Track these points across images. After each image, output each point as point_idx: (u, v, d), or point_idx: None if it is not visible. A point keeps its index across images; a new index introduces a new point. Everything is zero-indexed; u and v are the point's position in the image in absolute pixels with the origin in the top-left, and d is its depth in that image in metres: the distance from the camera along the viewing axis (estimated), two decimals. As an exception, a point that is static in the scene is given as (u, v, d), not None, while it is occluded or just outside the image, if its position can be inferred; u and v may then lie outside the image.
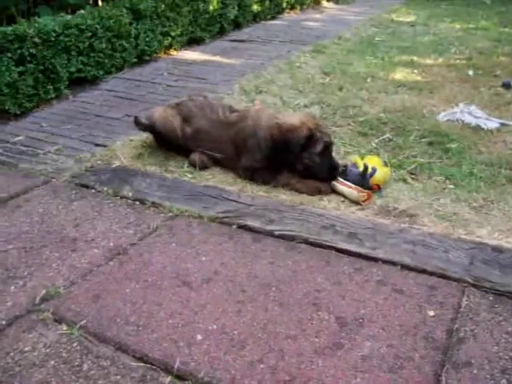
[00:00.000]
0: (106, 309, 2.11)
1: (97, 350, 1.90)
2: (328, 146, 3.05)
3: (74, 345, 1.93)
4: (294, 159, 3.03)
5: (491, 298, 2.15)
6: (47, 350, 1.90)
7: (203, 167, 3.31)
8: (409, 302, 2.12)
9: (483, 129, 3.89)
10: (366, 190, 2.91)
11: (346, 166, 3.07)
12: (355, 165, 3.10)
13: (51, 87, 4.62)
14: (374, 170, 2.99)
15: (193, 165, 3.32)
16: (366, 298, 2.14)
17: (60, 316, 2.07)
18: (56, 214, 2.85)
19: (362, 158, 3.18)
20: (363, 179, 2.96)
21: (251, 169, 3.14)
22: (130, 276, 2.32)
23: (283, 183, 3.07)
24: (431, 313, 2.06)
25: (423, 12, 9.45)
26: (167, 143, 3.49)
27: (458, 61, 5.87)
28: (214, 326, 2.00)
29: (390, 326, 1.99)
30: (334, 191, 3.02)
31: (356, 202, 2.89)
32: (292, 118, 3.16)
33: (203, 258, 2.42)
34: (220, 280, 2.27)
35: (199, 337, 1.95)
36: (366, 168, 2.97)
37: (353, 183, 2.96)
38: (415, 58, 5.98)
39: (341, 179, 3.01)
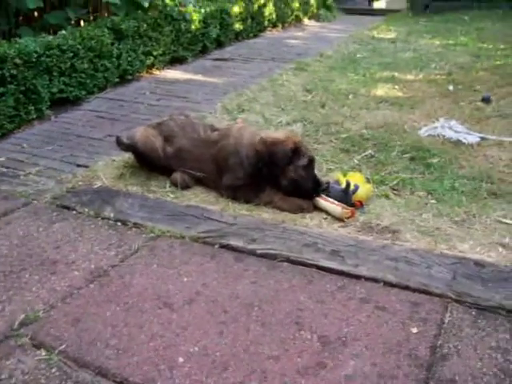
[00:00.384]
0: (85, 332, 2.08)
1: (76, 376, 1.87)
2: (312, 161, 3.07)
3: (53, 370, 1.89)
4: (279, 173, 3.03)
5: (474, 313, 2.15)
6: (25, 377, 1.86)
7: (185, 187, 3.30)
8: (392, 319, 2.11)
9: (464, 143, 3.92)
10: (349, 207, 2.91)
11: (328, 183, 3.08)
12: (337, 182, 3.11)
13: (32, 108, 4.59)
14: (357, 187, 2.99)
15: (175, 184, 3.31)
16: (348, 316, 2.13)
17: (39, 341, 2.03)
18: (36, 236, 2.82)
19: (345, 175, 3.18)
20: (346, 196, 2.96)
21: (233, 187, 3.14)
22: (110, 298, 2.28)
23: (265, 201, 3.06)
24: (414, 329, 2.05)
25: (403, 29, 9.58)
26: (149, 163, 3.47)
27: (438, 76, 5.94)
28: (196, 348, 1.98)
29: (373, 344, 1.98)
30: (317, 208, 3.02)
31: (339, 219, 2.89)
32: (275, 133, 3.18)
33: (185, 279, 2.40)
34: (202, 301, 2.24)
35: (181, 359, 1.92)
36: (348, 185, 2.97)
37: (335, 200, 2.96)
38: (396, 74, 6.05)
39: (323, 196, 3.01)
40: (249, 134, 3.20)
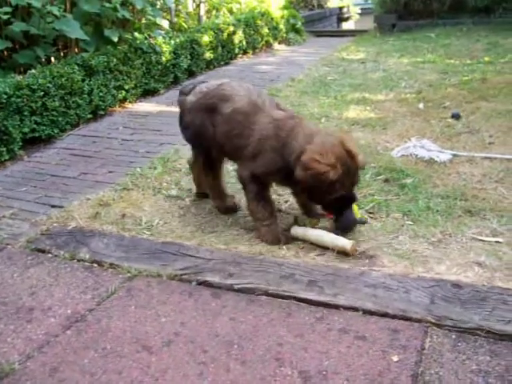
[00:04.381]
0: (63, 383, 2.03)
1: (54, 430, 1.82)
2: None
3: (30, 426, 1.85)
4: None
5: (454, 337, 2.15)
6: None
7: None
8: (372, 349, 2.10)
9: (437, 161, 3.96)
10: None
11: None
12: None
13: (4, 149, 4.53)
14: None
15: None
16: (328, 349, 2.11)
17: (15, 395, 1.99)
18: (11, 282, 2.77)
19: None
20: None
21: (254, 175, 2.95)
22: (88, 345, 2.24)
23: (257, 218, 3.01)
24: (395, 358, 2.04)
25: (372, 49, 9.71)
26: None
27: (408, 95, 6.02)
28: (176, 392, 1.95)
29: (354, 376, 1.96)
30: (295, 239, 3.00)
31: (344, 253, 2.78)
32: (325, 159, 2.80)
33: (163, 320, 2.37)
34: (180, 341, 2.21)
35: (161, 405, 1.89)
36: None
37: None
38: (367, 95, 6.11)
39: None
40: (303, 139, 2.86)
